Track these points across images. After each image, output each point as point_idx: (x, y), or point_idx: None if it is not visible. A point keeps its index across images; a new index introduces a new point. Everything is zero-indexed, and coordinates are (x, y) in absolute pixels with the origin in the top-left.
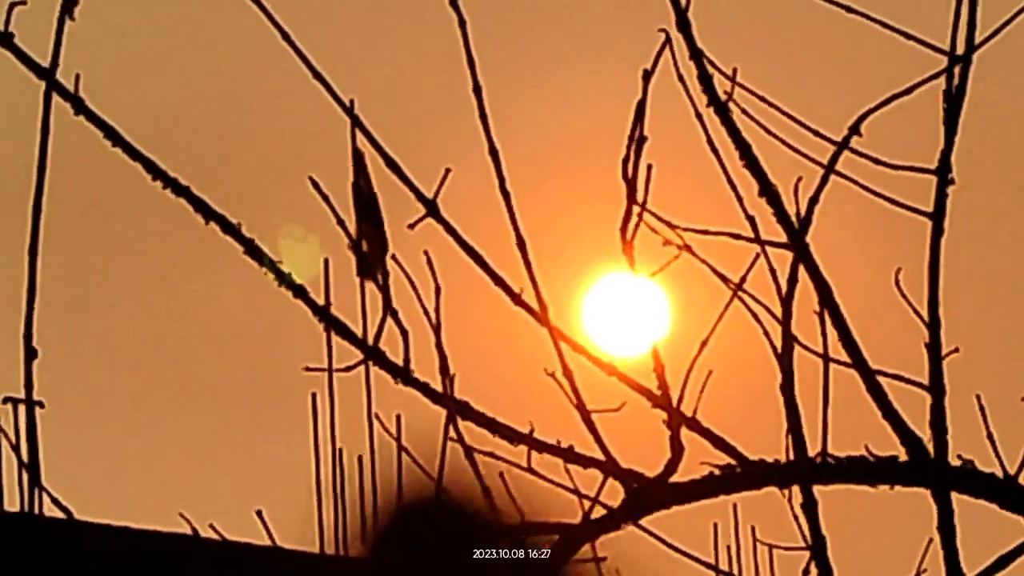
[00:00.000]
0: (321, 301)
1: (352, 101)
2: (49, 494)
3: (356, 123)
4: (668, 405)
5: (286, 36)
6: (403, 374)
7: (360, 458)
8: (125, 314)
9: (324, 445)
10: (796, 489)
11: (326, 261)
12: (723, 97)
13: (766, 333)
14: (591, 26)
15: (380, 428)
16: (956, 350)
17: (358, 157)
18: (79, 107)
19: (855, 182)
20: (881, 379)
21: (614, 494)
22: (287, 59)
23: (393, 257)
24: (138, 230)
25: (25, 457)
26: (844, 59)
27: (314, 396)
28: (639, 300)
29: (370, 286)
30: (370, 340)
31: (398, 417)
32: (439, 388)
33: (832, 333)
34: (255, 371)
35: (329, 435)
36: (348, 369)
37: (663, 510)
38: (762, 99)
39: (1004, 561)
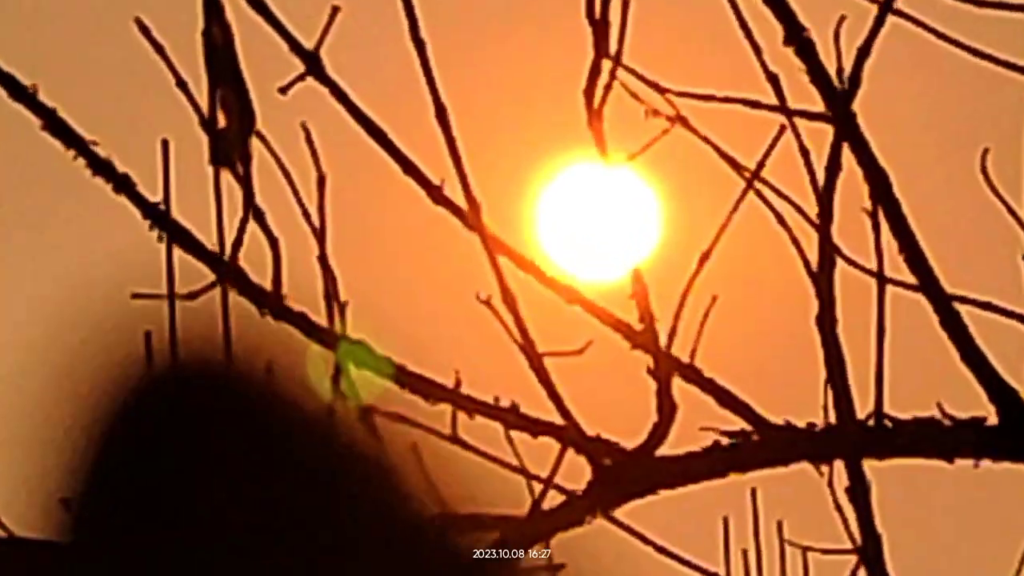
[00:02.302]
0: (155, 197)
1: None
2: None
3: None
4: (654, 345)
5: None
6: (271, 302)
7: None
8: None
9: None
10: (840, 466)
11: (164, 143)
12: None
13: (796, 242)
14: None
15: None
16: None
17: None
18: None
19: (923, 25)
20: (960, 307)
21: (577, 474)
22: None
23: (259, 134)
24: None
25: None
26: None
27: (148, 335)
28: (615, 198)
29: (228, 177)
30: (227, 254)
31: (268, 363)
32: (323, 322)
33: (890, 242)
34: (60, 298)
35: None
36: (193, 295)
37: (647, 496)
38: None
39: None
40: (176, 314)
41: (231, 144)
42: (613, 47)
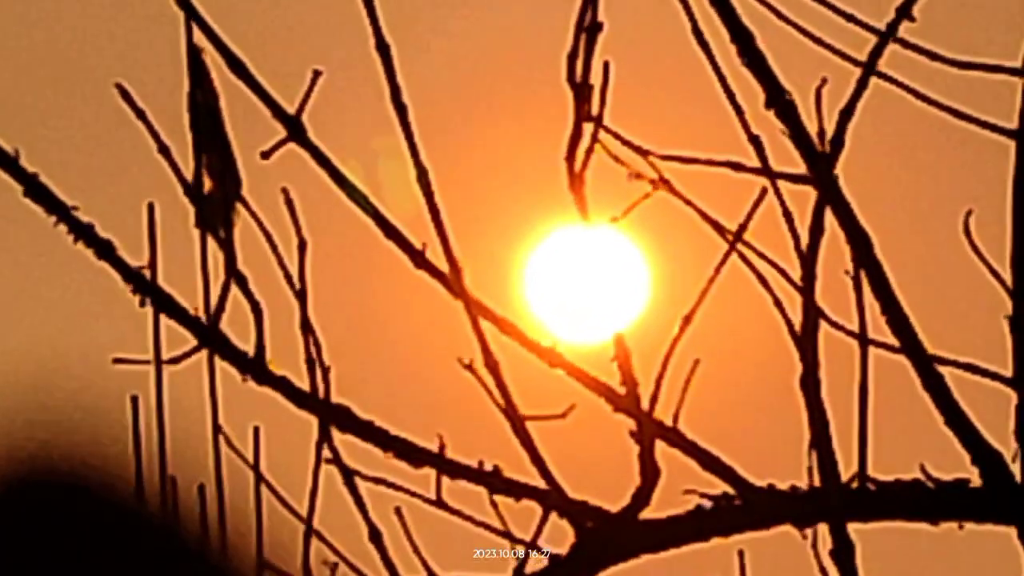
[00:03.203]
0: (139, 263)
1: None
2: None
3: (189, 11)
4: (637, 409)
5: None
6: (254, 367)
7: (201, 488)
8: None
9: (150, 467)
10: (824, 528)
11: (150, 206)
12: None
13: (779, 304)
14: None
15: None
16: None
17: (195, 58)
18: None
19: (905, 87)
20: (942, 369)
21: (560, 537)
22: None
23: (241, 199)
24: None
25: None
26: None
27: (135, 399)
28: (600, 261)
29: (214, 242)
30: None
31: (255, 430)
32: (306, 386)
33: (873, 304)
34: (46, 362)
35: (157, 454)
36: (177, 360)
37: (631, 559)
38: None
39: None
40: (163, 379)
41: (216, 209)
42: (595, 110)
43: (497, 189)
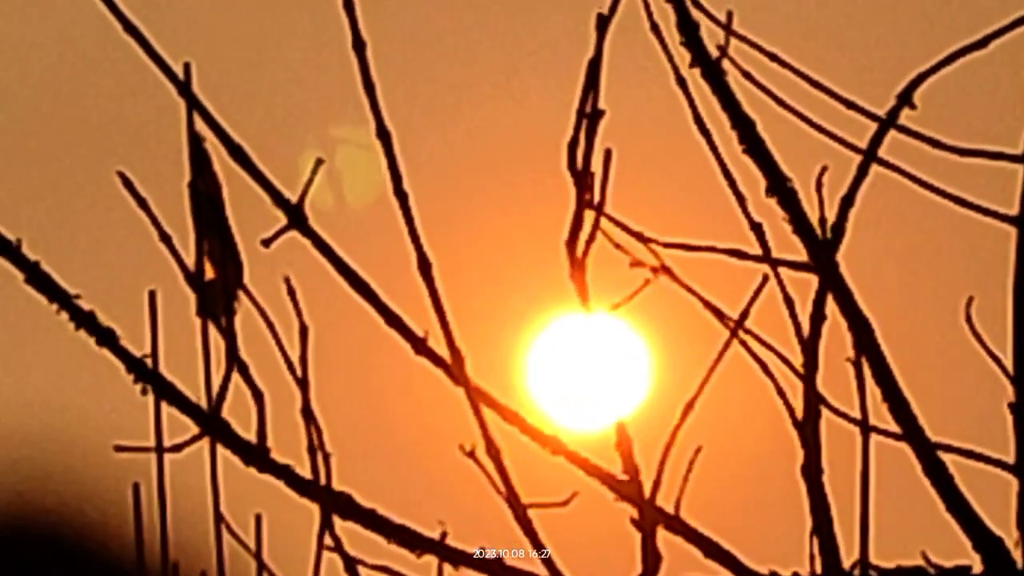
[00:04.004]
0: (141, 351)
1: (188, 68)
2: None
3: (191, 100)
4: (639, 496)
5: None
6: (255, 454)
7: (203, 575)
8: None
9: (152, 554)
10: None
11: (151, 294)
12: (714, 53)
13: (780, 392)
14: None
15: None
16: None
17: (196, 146)
18: None
19: (906, 174)
20: (944, 456)
21: None
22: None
23: (244, 287)
24: None
25: None
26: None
27: (136, 487)
28: (603, 348)
29: (215, 330)
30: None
31: (257, 517)
32: (307, 474)
33: (874, 391)
34: (46, 447)
35: (159, 540)
36: (179, 448)
37: None
38: (770, 56)
39: None
40: (165, 467)
41: (217, 296)
42: (596, 198)
43: (499, 276)
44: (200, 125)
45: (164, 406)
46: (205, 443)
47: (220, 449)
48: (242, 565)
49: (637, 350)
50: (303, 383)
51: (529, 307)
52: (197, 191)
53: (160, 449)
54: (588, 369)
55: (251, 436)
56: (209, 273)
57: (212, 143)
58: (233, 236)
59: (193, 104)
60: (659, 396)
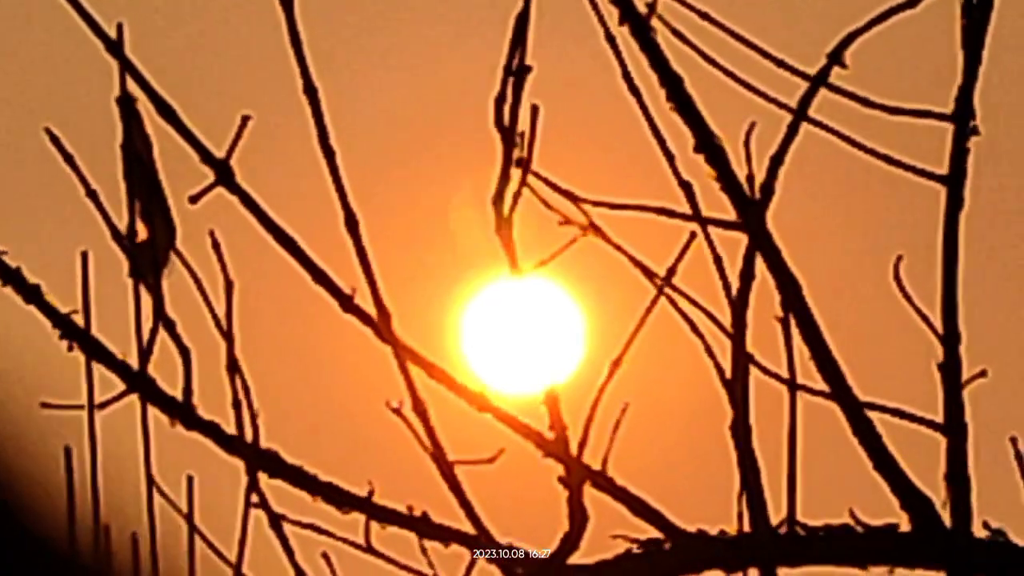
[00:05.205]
0: (70, 308)
1: (120, 28)
2: None
3: (123, 61)
4: (565, 453)
5: None
6: (182, 411)
7: (134, 536)
8: None
9: (83, 515)
10: (754, 574)
11: (84, 255)
12: (643, 11)
13: (709, 350)
14: None
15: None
16: (983, 374)
17: (128, 107)
18: None
19: (836, 133)
20: (872, 415)
21: None
22: None
23: (175, 247)
24: None
25: None
26: None
27: (68, 450)
28: (533, 310)
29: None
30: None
31: (189, 479)
32: (234, 430)
33: (802, 350)
34: None
35: (91, 503)
36: (104, 405)
37: None
38: (700, 14)
39: None
40: (96, 426)
41: (148, 255)
42: (524, 154)
43: (428, 234)
44: (131, 85)
45: (96, 366)
46: (137, 406)
47: (153, 410)
48: (173, 527)
49: (568, 310)
50: (228, 337)
51: (459, 266)
52: (129, 152)
53: (91, 407)
54: (521, 331)
55: (178, 393)
56: (142, 234)
57: (141, 100)
58: (165, 196)
59: (124, 63)
60: (590, 355)
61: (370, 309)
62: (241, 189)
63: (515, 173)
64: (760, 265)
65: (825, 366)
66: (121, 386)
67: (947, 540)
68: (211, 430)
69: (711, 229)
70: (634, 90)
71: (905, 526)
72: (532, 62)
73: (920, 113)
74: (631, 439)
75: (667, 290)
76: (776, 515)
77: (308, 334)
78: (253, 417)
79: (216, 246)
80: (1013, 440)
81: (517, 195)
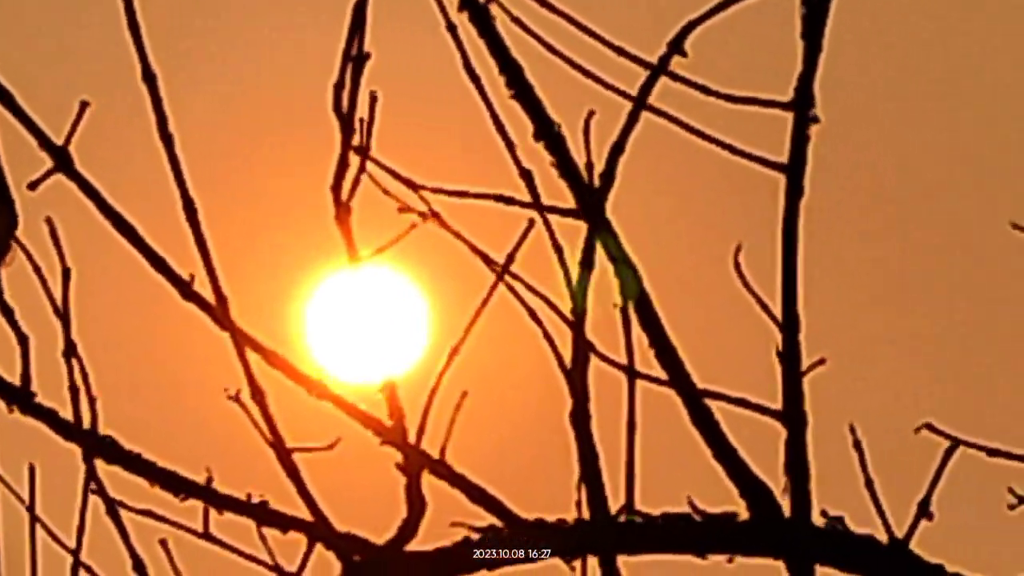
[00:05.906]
0: None
1: None
2: None
3: None
4: (403, 441)
5: None
6: (19, 397)
7: None
8: None
9: None
10: (593, 562)
11: None
12: None
13: (548, 338)
14: None
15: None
16: (821, 362)
17: None
18: None
19: (676, 121)
20: (712, 403)
21: (327, 570)
22: None
23: (15, 237)
24: None
25: None
26: None
27: None
28: (374, 299)
29: None
30: None
31: (31, 468)
32: (71, 417)
33: (642, 337)
34: None
35: None
36: None
37: None
38: (540, 1)
39: None
40: None
41: None
42: (360, 139)
43: (267, 222)
44: None
45: None
46: None
47: None
48: (15, 518)
49: (411, 298)
50: (65, 321)
51: (301, 254)
52: None
53: None
54: (363, 319)
55: (15, 380)
56: None
57: None
58: (7, 185)
59: None
60: (433, 343)
61: (209, 296)
62: (80, 176)
63: (354, 160)
64: (601, 254)
65: (664, 354)
66: None
67: (786, 528)
68: (49, 416)
69: (551, 217)
70: (474, 77)
71: (744, 514)
72: (371, 48)
73: (760, 102)
74: (471, 427)
75: (507, 278)
76: (615, 503)
77: (147, 321)
78: (92, 403)
79: (53, 233)
80: (852, 428)
81: (356, 182)
